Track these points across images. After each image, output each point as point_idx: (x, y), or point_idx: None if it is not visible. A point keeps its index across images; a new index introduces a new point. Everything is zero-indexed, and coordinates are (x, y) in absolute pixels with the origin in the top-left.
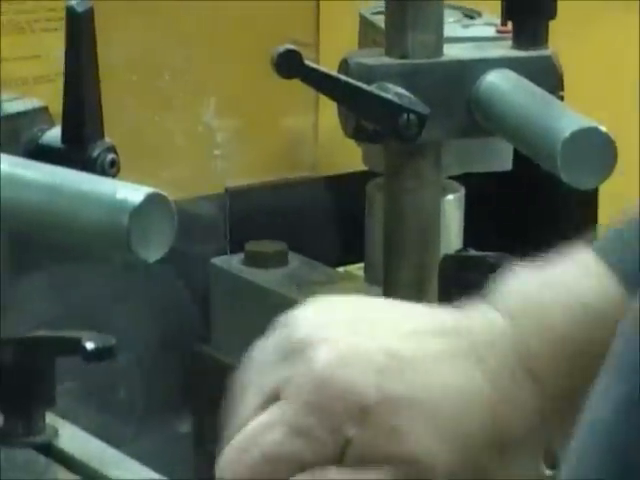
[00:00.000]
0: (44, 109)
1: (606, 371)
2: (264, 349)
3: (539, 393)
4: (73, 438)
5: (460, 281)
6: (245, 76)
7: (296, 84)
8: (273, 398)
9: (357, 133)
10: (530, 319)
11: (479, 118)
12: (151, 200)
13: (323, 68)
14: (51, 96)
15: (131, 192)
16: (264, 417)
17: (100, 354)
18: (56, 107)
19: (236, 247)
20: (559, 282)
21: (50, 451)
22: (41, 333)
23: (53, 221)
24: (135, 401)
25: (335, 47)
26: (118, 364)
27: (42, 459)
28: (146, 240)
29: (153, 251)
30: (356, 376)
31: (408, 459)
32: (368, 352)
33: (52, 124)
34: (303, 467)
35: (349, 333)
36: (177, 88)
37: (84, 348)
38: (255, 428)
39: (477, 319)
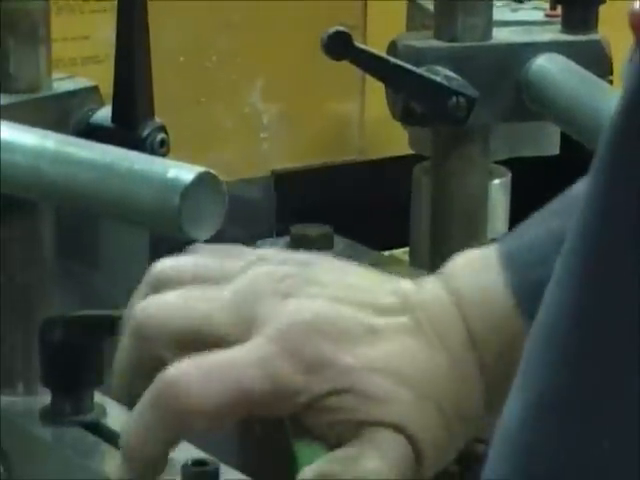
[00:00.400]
0: (94, 89)
1: (514, 381)
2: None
3: (484, 379)
4: (121, 417)
5: None
6: (292, 59)
7: (343, 68)
8: (246, 328)
9: (405, 116)
10: (473, 302)
11: (528, 102)
12: (202, 179)
13: (373, 50)
14: (99, 77)
15: (182, 171)
16: (239, 350)
17: None
18: (104, 88)
19: (282, 230)
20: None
21: (98, 430)
22: (90, 312)
23: (104, 200)
24: None
25: (382, 30)
26: None
27: (90, 437)
28: (197, 219)
29: (203, 230)
30: (337, 344)
31: (397, 426)
32: (349, 322)
33: (102, 104)
34: (264, 410)
35: (332, 298)
36: (224, 70)
37: None
38: (230, 357)
39: (430, 295)
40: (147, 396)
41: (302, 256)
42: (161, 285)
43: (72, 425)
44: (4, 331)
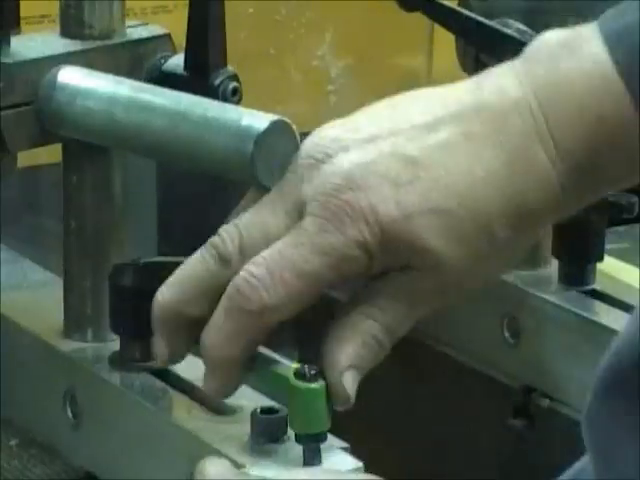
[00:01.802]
0: (167, 36)
1: None
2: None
3: (557, 160)
4: (189, 364)
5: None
6: (361, 13)
7: (411, 21)
8: (297, 213)
9: (476, 69)
10: (549, 83)
11: None
12: (276, 127)
13: (445, 2)
14: (169, 27)
15: (256, 119)
16: (291, 236)
17: None
18: (174, 38)
19: None
20: (581, 57)
21: (166, 376)
22: (161, 258)
23: (178, 147)
24: None
25: None
26: None
27: (158, 383)
28: (270, 167)
29: (276, 178)
30: (374, 194)
31: (428, 264)
32: (384, 161)
33: (174, 51)
34: (331, 284)
35: (366, 140)
36: (293, 22)
37: None
38: (285, 246)
39: (489, 90)
40: (221, 304)
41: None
42: None
43: (141, 371)
44: (74, 277)
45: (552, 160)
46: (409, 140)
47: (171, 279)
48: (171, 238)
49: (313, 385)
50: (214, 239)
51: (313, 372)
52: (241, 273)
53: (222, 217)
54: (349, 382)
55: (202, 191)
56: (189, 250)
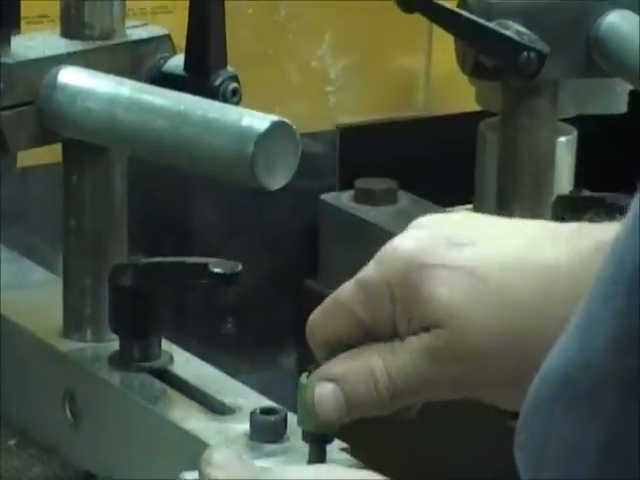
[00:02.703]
0: (167, 37)
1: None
2: None
3: None
4: (188, 365)
5: (574, 221)
6: (361, 13)
7: (410, 22)
8: None
9: (475, 70)
10: None
11: (598, 58)
12: (276, 128)
13: (445, 3)
14: (168, 28)
15: (256, 119)
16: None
17: (227, 279)
18: (174, 39)
19: (345, 184)
20: None
21: (165, 376)
22: (161, 259)
23: (178, 147)
24: (241, 334)
25: None
26: (227, 297)
27: (157, 383)
28: (270, 168)
29: (276, 179)
30: (419, 242)
31: (442, 319)
32: (453, 226)
33: (174, 52)
34: (365, 324)
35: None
36: (292, 23)
37: (212, 273)
38: (340, 293)
39: (585, 225)
40: None
41: None
42: None
43: (140, 371)
44: (74, 277)
45: None
46: (486, 227)
47: None
48: (141, 237)
49: None
50: None
51: None
52: None
53: (190, 216)
54: (324, 392)
55: (172, 190)
56: (159, 249)
